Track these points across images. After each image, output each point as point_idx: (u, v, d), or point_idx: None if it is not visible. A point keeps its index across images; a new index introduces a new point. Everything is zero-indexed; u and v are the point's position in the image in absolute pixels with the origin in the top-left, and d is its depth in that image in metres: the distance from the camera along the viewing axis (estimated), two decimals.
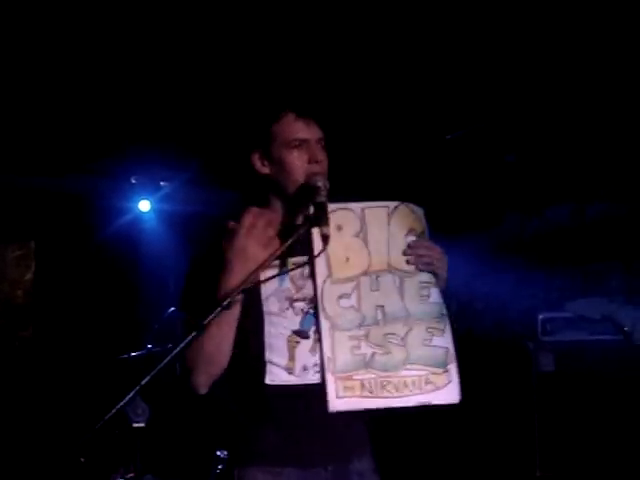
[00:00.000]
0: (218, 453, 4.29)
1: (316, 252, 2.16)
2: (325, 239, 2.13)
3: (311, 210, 2.18)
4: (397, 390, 2.21)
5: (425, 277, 2.28)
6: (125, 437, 3.82)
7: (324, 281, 2.22)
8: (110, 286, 6.09)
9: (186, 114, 4.96)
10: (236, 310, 2.15)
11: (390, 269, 2.26)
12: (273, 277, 2.18)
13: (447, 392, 2.25)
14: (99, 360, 5.44)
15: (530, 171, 5.36)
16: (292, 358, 2.21)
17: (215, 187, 6.12)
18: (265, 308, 2.22)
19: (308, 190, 2.22)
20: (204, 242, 2.32)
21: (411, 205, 2.32)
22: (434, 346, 2.26)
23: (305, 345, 2.23)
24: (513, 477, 4.62)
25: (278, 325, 2.21)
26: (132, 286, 6.17)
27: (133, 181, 6.03)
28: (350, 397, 2.17)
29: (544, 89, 4.48)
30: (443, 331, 2.27)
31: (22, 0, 3.62)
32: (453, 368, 2.27)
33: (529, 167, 5.34)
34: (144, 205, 6.12)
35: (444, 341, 2.27)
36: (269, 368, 2.20)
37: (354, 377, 2.18)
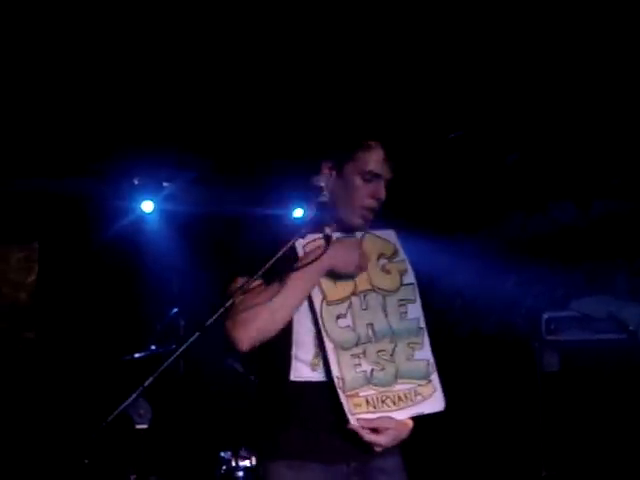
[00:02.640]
0: (222, 454, 4.29)
1: (319, 252, 2.19)
2: (327, 239, 2.15)
3: (314, 211, 2.22)
4: (394, 404, 2.32)
5: (402, 294, 2.42)
6: (128, 439, 3.81)
7: (320, 303, 2.29)
8: (113, 287, 6.08)
9: (189, 114, 4.95)
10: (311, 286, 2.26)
11: (374, 288, 2.38)
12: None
13: (434, 401, 2.39)
14: (103, 361, 5.44)
15: (534, 169, 5.34)
16: (317, 354, 2.28)
17: (218, 187, 6.11)
18: None
19: (311, 190, 2.25)
20: (257, 231, 2.39)
21: (377, 232, 2.45)
22: (417, 360, 2.39)
23: None
24: (519, 477, 4.61)
25: (307, 320, 2.29)
26: (135, 287, 6.16)
27: (136, 182, 6.02)
28: (359, 413, 2.26)
29: (547, 88, 4.46)
30: (422, 344, 2.41)
31: (21, 2, 3.61)
32: (435, 378, 2.41)
33: (533, 165, 5.33)
34: (147, 206, 6.11)
35: (424, 354, 2.41)
36: (294, 364, 2.27)
37: (360, 394, 2.28)
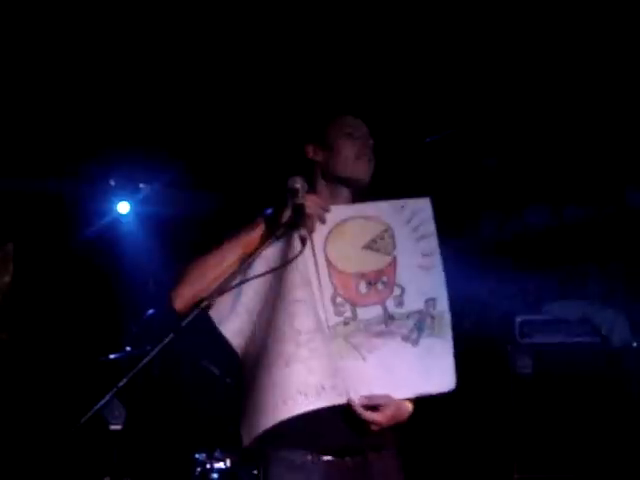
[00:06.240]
0: (197, 456, 4.28)
1: (294, 254, 2.18)
2: (303, 241, 2.15)
3: (290, 212, 2.20)
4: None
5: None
6: (102, 440, 3.79)
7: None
8: (89, 288, 6.05)
9: (165, 116, 4.95)
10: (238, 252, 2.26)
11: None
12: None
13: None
14: (78, 363, 5.41)
15: (508, 174, 5.38)
16: None
17: (194, 189, 6.12)
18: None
19: (287, 192, 2.23)
20: None
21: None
22: None
23: None
24: (491, 479, 4.63)
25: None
26: (111, 288, 6.14)
27: (112, 183, 6.01)
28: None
29: (523, 93, 4.50)
30: None
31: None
32: None
33: (507, 170, 5.36)
34: (123, 207, 6.09)
35: None
36: None
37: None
